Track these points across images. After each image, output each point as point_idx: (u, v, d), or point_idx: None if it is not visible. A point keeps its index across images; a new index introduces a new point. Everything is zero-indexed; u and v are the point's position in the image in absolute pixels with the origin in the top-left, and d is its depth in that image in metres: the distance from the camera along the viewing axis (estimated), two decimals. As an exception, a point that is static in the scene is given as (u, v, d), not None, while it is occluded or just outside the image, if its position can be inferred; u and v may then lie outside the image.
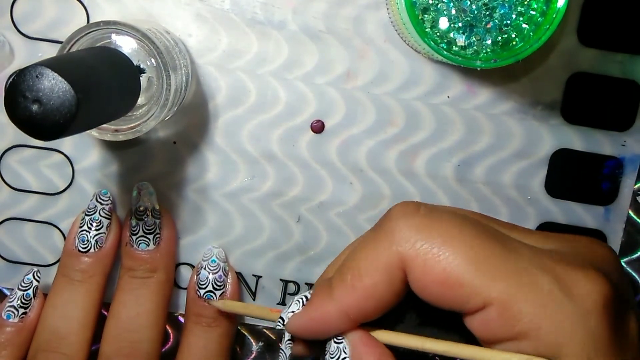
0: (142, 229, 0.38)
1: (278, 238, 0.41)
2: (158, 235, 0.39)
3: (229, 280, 0.40)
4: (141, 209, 0.39)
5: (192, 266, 0.41)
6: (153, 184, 0.40)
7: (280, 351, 0.31)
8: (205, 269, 0.40)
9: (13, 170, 0.40)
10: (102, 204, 0.39)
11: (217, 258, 0.40)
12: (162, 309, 0.39)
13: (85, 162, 0.40)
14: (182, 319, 0.42)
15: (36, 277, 0.39)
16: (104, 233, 0.39)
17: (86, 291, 0.38)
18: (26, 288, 0.39)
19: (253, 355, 0.43)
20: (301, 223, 0.41)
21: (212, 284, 0.39)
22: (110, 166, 0.40)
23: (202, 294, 0.39)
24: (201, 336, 0.39)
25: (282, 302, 0.42)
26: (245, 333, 0.43)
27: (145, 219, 0.39)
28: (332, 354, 0.29)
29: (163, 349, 0.41)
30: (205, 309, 0.39)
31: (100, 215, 0.39)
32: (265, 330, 0.43)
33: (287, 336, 0.31)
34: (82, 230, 0.38)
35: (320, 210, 0.41)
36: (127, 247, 0.39)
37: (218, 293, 0.39)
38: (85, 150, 0.40)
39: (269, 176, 0.40)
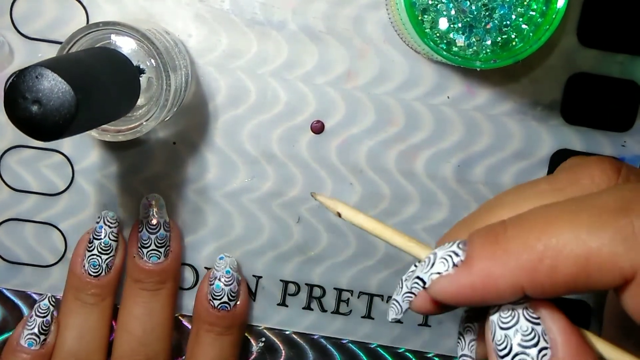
0: (154, 243, 0.39)
1: (278, 238, 0.41)
2: (169, 248, 0.39)
3: (241, 290, 0.40)
4: (154, 222, 0.39)
5: (192, 267, 0.41)
6: (153, 184, 0.40)
7: (393, 304, 0.24)
8: (219, 279, 0.39)
9: (13, 171, 0.40)
10: (110, 227, 0.39)
11: (230, 268, 0.40)
12: (172, 318, 0.40)
13: (85, 162, 0.40)
14: (182, 320, 0.42)
15: (52, 302, 0.39)
16: (114, 256, 0.39)
17: (100, 312, 0.39)
18: (44, 314, 0.39)
19: (253, 356, 0.43)
20: (301, 223, 0.41)
21: (227, 295, 0.39)
22: (110, 166, 0.40)
23: (216, 305, 0.39)
24: (214, 345, 0.39)
25: (282, 303, 0.42)
26: (245, 333, 0.43)
27: (157, 233, 0.39)
28: (524, 333, 0.21)
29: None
30: (220, 319, 0.39)
31: (110, 239, 0.39)
32: (265, 330, 0.43)
33: (405, 287, 0.24)
34: (93, 255, 0.39)
35: (320, 210, 0.41)
36: (136, 259, 0.39)
37: (232, 303, 0.39)
38: (85, 150, 0.40)
39: (269, 176, 0.40)
